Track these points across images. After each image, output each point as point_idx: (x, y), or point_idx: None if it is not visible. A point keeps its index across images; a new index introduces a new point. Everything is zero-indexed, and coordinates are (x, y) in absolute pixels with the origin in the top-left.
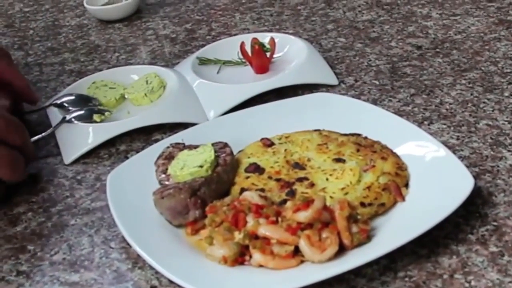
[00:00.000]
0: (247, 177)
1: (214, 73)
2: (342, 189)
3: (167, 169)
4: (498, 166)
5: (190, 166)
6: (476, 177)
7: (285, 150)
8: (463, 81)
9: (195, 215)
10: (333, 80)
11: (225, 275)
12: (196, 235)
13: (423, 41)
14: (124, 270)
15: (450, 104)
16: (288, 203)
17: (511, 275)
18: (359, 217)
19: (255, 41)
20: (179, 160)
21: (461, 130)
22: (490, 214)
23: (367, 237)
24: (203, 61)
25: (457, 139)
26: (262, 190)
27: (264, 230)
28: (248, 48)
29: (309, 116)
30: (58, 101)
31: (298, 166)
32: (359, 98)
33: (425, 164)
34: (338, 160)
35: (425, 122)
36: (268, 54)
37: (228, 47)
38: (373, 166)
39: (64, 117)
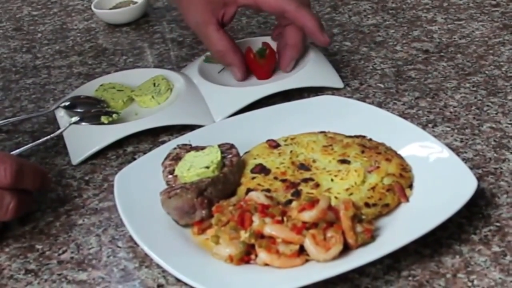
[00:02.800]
0: (253, 178)
1: (221, 76)
2: (347, 189)
3: (174, 170)
4: (501, 168)
5: (197, 167)
6: (479, 178)
7: (291, 151)
8: (467, 85)
9: (201, 214)
10: (339, 84)
11: (231, 273)
12: (202, 235)
13: (428, 45)
14: (131, 269)
15: (454, 107)
16: (294, 203)
17: None
18: (363, 217)
19: (248, 49)
20: (186, 161)
21: (464, 133)
22: (493, 215)
23: (371, 236)
24: (209, 60)
25: (461, 141)
26: (268, 190)
27: (270, 229)
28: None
29: (314, 118)
30: (66, 103)
31: (304, 167)
32: (364, 101)
33: (429, 165)
34: (343, 161)
35: (429, 125)
36: (264, 61)
37: None
38: (378, 167)
39: (72, 119)
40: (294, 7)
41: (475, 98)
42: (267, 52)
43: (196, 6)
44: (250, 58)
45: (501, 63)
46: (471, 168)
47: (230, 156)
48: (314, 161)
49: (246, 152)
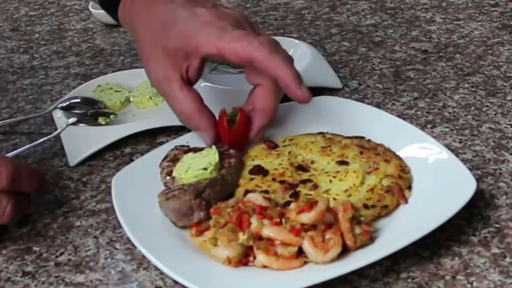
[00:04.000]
0: (251, 179)
1: (218, 76)
2: (346, 191)
3: (171, 171)
4: (500, 169)
5: (195, 168)
6: (478, 179)
7: (289, 152)
8: (466, 85)
9: (199, 216)
10: (337, 84)
11: (229, 275)
12: (200, 236)
13: (426, 45)
14: (129, 271)
15: (453, 107)
16: (292, 205)
17: None
18: (362, 218)
19: (223, 113)
20: (183, 163)
21: (464, 133)
22: (492, 216)
23: (370, 238)
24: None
25: (460, 142)
26: (266, 192)
27: (268, 231)
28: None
29: (313, 119)
30: (64, 104)
31: (302, 168)
32: (362, 102)
33: (428, 166)
34: (342, 162)
35: (428, 126)
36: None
37: None
38: (376, 168)
39: (69, 120)
40: (265, 54)
41: (474, 98)
42: (237, 118)
43: (157, 59)
44: (222, 123)
45: (500, 63)
46: (470, 169)
47: (228, 157)
48: (312, 162)
49: (244, 153)
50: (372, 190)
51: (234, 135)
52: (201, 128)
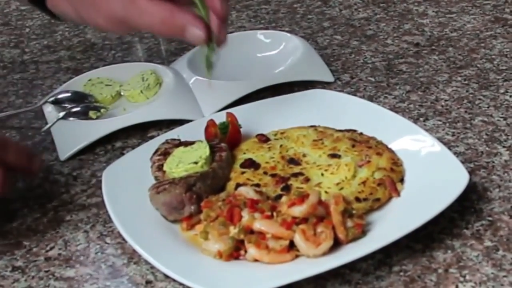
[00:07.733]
0: (243, 173)
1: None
2: (337, 184)
3: (162, 165)
4: (493, 162)
5: (186, 162)
6: (471, 172)
7: (281, 145)
8: (459, 78)
9: (190, 210)
10: (329, 77)
11: (220, 269)
12: (191, 230)
13: (419, 39)
14: (119, 265)
15: (446, 100)
16: (283, 198)
17: (506, 269)
18: (354, 211)
19: (210, 123)
20: (174, 157)
21: (456, 127)
22: (485, 209)
23: (362, 231)
24: None
25: (453, 135)
26: (258, 185)
27: (259, 224)
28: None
29: (304, 112)
30: (54, 98)
31: (294, 161)
32: (355, 95)
33: (421, 159)
34: (334, 155)
35: (421, 119)
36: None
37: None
38: (369, 161)
39: (60, 114)
40: None
41: (467, 91)
42: (229, 128)
43: None
44: (211, 133)
45: (493, 56)
46: (462, 162)
47: (219, 151)
48: (304, 155)
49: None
50: (364, 183)
51: (227, 142)
52: (189, 21)
